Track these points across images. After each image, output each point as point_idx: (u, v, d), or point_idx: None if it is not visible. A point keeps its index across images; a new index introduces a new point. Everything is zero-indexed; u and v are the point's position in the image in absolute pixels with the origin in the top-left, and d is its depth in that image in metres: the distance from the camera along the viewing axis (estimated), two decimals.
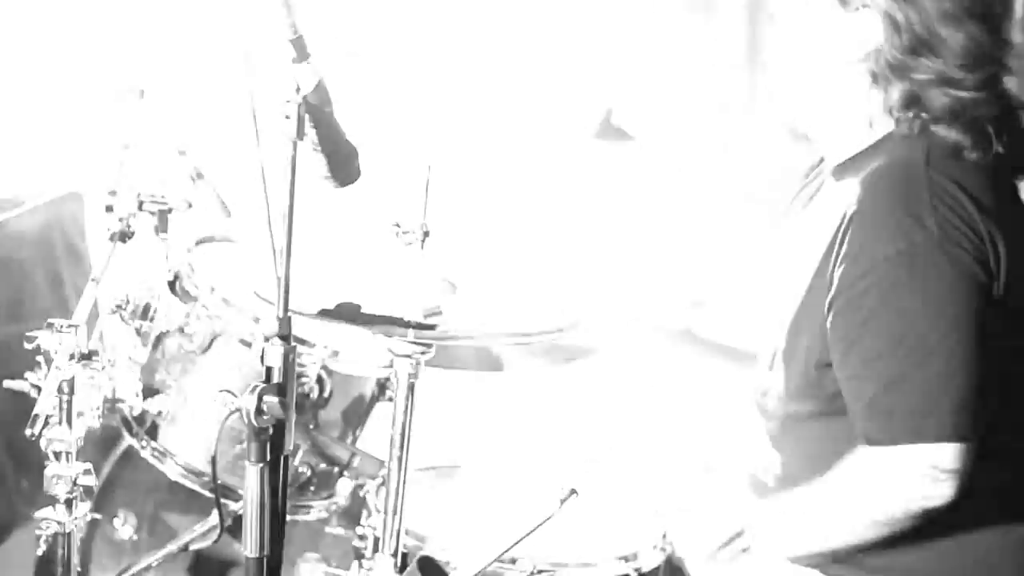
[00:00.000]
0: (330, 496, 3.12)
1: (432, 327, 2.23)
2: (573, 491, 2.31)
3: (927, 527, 2.31)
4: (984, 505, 2.33)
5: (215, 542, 3.13)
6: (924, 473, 2.26)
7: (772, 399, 2.51)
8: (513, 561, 2.59)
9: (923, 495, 2.27)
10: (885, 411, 2.28)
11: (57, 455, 2.45)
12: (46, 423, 2.38)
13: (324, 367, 2.98)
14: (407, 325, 2.21)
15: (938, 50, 2.32)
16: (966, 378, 2.24)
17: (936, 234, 2.25)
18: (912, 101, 2.35)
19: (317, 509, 3.11)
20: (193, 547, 3.26)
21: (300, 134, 2.03)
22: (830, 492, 2.36)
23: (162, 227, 2.94)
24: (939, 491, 2.26)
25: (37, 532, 2.48)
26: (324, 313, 2.20)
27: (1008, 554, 2.41)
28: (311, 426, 3.01)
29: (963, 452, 2.25)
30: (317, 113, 2.07)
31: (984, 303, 2.27)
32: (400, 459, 2.34)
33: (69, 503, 2.46)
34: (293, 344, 2.02)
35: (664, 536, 2.75)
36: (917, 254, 2.25)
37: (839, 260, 2.32)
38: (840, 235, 2.33)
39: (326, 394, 3.01)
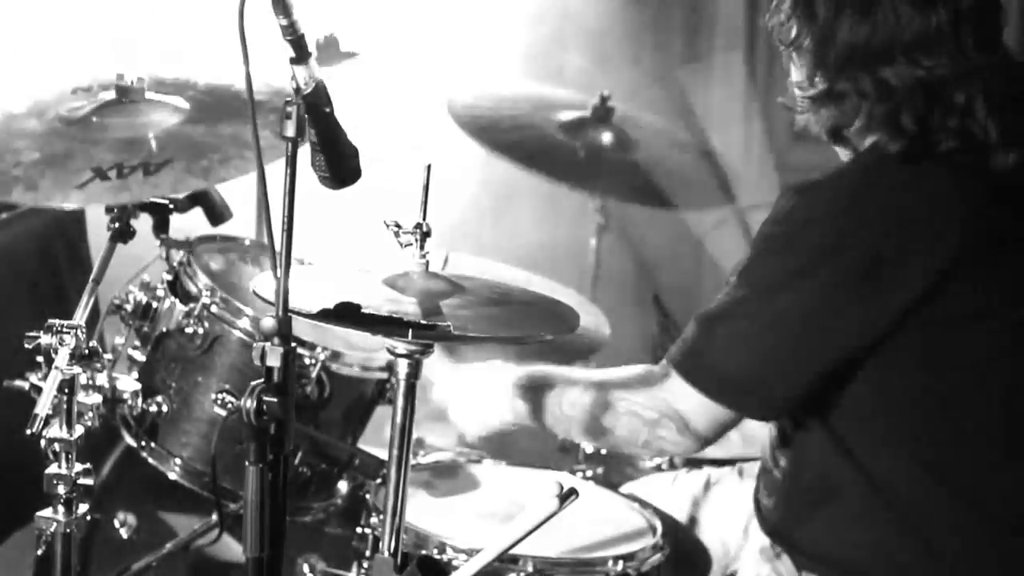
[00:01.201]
0: (330, 496, 3.12)
1: (432, 327, 2.22)
2: (573, 491, 2.31)
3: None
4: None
5: (215, 542, 3.13)
6: (673, 416, 2.38)
7: None
8: (513, 561, 2.59)
9: (660, 434, 2.41)
10: (685, 340, 2.41)
11: (57, 455, 2.45)
12: (46, 423, 2.38)
13: (324, 368, 2.98)
14: (407, 325, 2.20)
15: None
16: (769, 352, 2.33)
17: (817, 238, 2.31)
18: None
19: (317, 509, 3.11)
20: (193, 547, 3.26)
21: (300, 134, 2.03)
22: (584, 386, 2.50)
23: (162, 227, 2.94)
24: (678, 444, 2.41)
25: (37, 532, 2.48)
26: (324, 313, 2.20)
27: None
28: (311, 426, 3.01)
29: (721, 420, 2.38)
30: (317, 113, 2.07)
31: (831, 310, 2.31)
32: (400, 459, 2.34)
33: (69, 503, 2.46)
34: (293, 344, 2.02)
35: (663, 535, 2.76)
36: (789, 235, 2.33)
37: None
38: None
39: (326, 394, 3.01)
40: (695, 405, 2.39)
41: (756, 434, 2.68)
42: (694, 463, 3.11)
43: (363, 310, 2.19)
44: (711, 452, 3.34)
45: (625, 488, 3.05)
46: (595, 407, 2.45)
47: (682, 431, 2.40)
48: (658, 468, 3.20)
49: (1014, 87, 2.37)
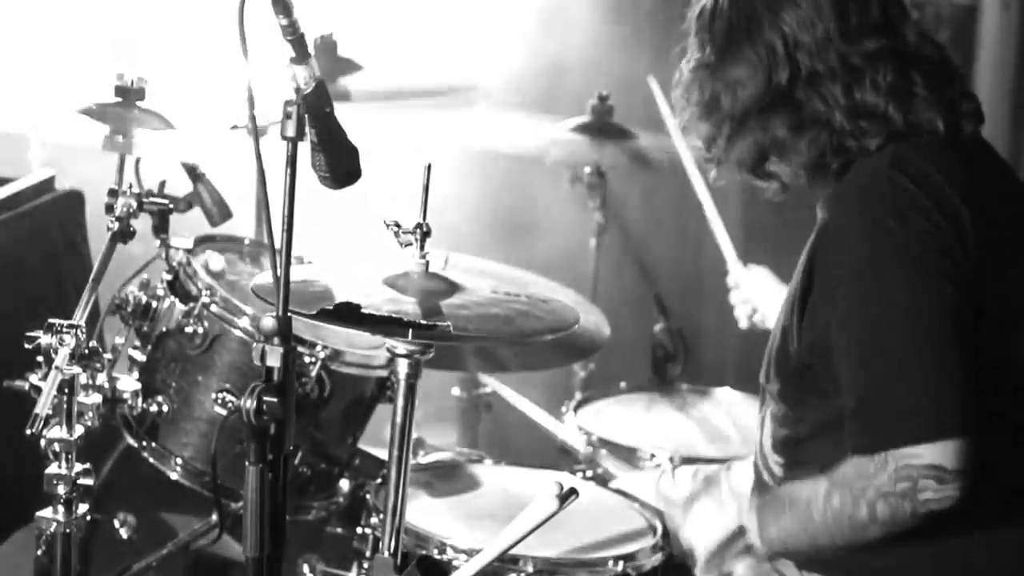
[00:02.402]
0: (330, 496, 3.12)
1: (432, 327, 2.22)
2: (573, 491, 2.30)
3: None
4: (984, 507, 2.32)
5: (215, 542, 3.13)
6: (923, 474, 2.23)
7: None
8: (513, 561, 2.59)
9: (924, 498, 2.23)
10: (870, 420, 2.26)
11: (57, 455, 2.45)
12: (46, 423, 2.38)
13: (324, 367, 2.98)
14: (407, 325, 2.21)
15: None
16: (947, 375, 2.23)
17: (900, 235, 2.26)
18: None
19: (317, 509, 3.11)
20: (193, 547, 3.26)
21: (300, 134, 2.03)
22: (825, 491, 2.33)
23: (162, 227, 2.94)
24: (943, 492, 2.22)
25: (37, 532, 2.48)
26: (324, 313, 2.20)
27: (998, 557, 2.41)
28: (311, 426, 3.01)
29: (960, 449, 2.22)
30: (317, 113, 2.07)
31: (958, 297, 2.26)
32: (400, 459, 2.34)
33: (69, 503, 2.46)
34: (293, 344, 2.02)
35: (664, 535, 2.75)
36: (881, 259, 2.27)
37: (810, 279, 2.36)
38: (809, 254, 2.39)
39: (326, 394, 3.01)
40: (936, 453, 2.24)
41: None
42: (689, 461, 3.11)
43: (363, 310, 2.19)
44: (710, 451, 3.35)
45: (615, 483, 3.05)
46: (844, 506, 2.29)
47: (942, 480, 2.24)
48: (657, 467, 3.20)
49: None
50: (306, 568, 3.02)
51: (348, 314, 2.20)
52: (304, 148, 2.06)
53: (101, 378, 2.60)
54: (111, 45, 4.07)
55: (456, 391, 4.00)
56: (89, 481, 2.48)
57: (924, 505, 2.24)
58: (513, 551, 2.39)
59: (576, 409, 3.56)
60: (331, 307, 2.21)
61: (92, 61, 4.01)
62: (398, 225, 2.36)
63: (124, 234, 2.74)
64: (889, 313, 2.26)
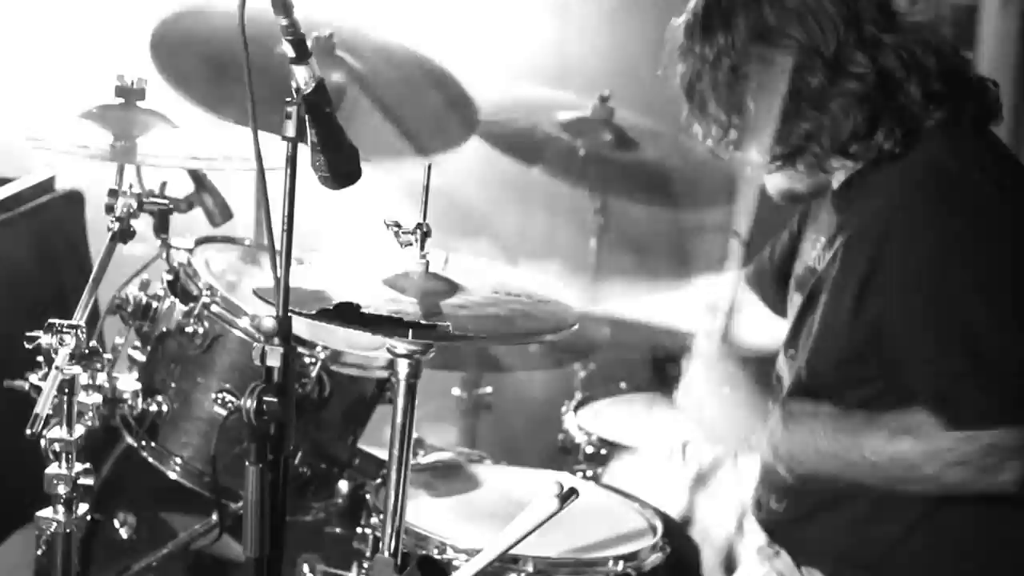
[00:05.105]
0: (330, 496, 3.12)
1: (433, 327, 2.22)
2: (573, 491, 2.30)
3: None
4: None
5: (215, 542, 3.13)
6: (1011, 456, 2.26)
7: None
8: (513, 561, 2.59)
9: (1003, 479, 2.27)
10: (967, 398, 2.28)
11: (57, 455, 2.45)
12: (46, 423, 2.38)
13: (324, 368, 2.98)
14: (407, 325, 2.21)
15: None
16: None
17: (971, 219, 2.30)
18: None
19: (317, 509, 3.11)
20: (193, 547, 3.26)
21: (300, 134, 2.03)
22: (888, 433, 2.33)
23: (162, 227, 2.94)
24: (1003, 476, 2.27)
25: (37, 532, 2.48)
26: (324, 313, 2.20)
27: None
28: (311, 426, 3.01)
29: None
30: (317, 113, 2.07)
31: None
32: (400, 459, 2.34)
33: (69, 503, 2.46)
34: (293, 345, 2.02)
35: (664, 536, 2.76)
36: (956, 246, 2.29)
37: (873, 265, 2.35)
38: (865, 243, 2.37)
39: (326, 394, 3.01)
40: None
41: None
42: None
43: (363, 310, 2.19)
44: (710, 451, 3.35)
45: (607, 477, 3.05)
46: (916, 456, 2.31)
47: None
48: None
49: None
50: (306, 568, 3.02)
51: (348, 314, 2.19)
52: (304, 148, 2.06)
53: (101, 378, 2.60)
54: (111, 44, 4.07)
55: (456, 391, 4.01)
56: (89, 481, 2.48)
57: (1001, 485, 2.28)
58: (513, 551, 2.39)
59: (576, 409, 3.56)
60: (331, 307, 2.21)
61: (92, 61, 4.01)
62: (398, 225, 2.36)
63: (124, 234, 2.73)
64: (975, 297, 2.28)
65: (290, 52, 2.04)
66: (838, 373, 2.41)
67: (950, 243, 2.31)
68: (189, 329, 2.97)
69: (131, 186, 2.81)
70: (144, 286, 3.05)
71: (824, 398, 2.43)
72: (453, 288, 2.38)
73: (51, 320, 2.44)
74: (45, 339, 2.43)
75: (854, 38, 2.36)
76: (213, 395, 2.97)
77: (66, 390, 2.44)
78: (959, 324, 2.29)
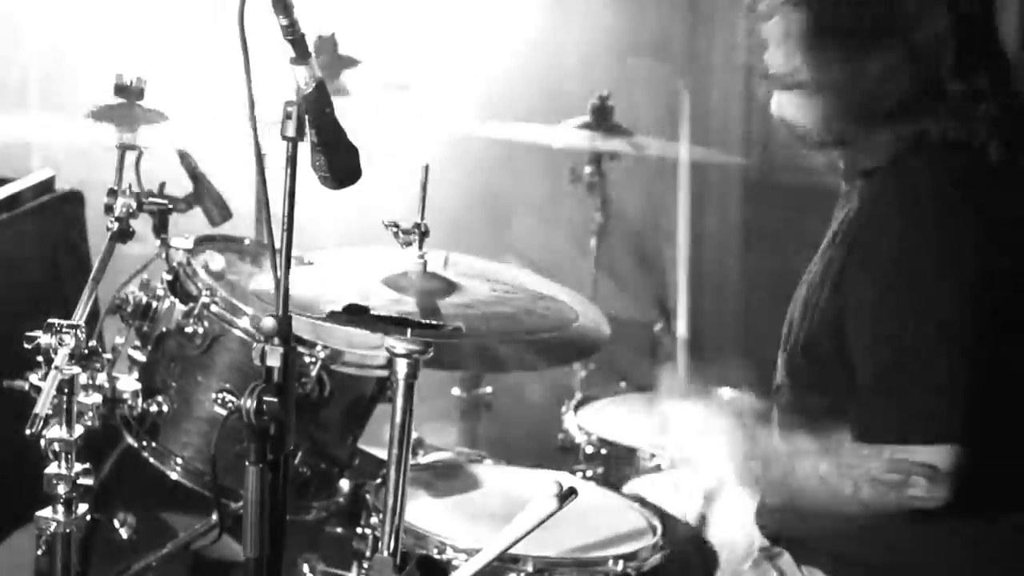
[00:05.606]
0: (330, 496, 3.12)
1: (432, 327, 2.22)
2: (573, 491, 2.30)
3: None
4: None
5: (215, 542, 3.13)
6: (915, 471, 2.26)
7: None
8: (513, 561, 2.59)
9: (911, 493, 2.27)
10: (875, 410, 2.31)
11: (57, 455, 2.45)
12: (46, 423, 2.38)
13: (324, 367, 2.98)
14: (406, 325, 2.21)
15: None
16: (958, 381, 2.26)
17: (935, 238, 2.28)
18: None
19: (317, 509, 3.11)
20: (193, 547, 3.26)
21: (300, 134, 2.03)
22: (815, 456, 2.36)
23: (162, 227, 2.94)
24: (931, 492, 2.26)
25: (37, 532, 2.48)
26: (327, 314, 2.20)
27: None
28: (311, 426, 3.01)
29: (957, 454, 2.25)
30: (317, 113, 2.07)
31: (980, 308, 2.28)
32: (400, 459, 2.34)
33: (69, 503, 2.46)
34: (293, 345, 2.02)
35: (663, 535, 2.76)
36: (917, 259, 2.28)
37: (842, 259, 2.36)
38: (849, 230, 2.38)
39: (326, 394, 3.01)
40: (932, 454, 2.27)
41: None
42: None
43: (368, 311, 2.19)
44: None
45: (628, 487, 3.05)
46: (833, 476, 2.33)
47: (933, 480, 2.28)
48: (657, 468, 3.20)
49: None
50: (306, 568, 3.02)
51: (348, 314, 2.19)
52: (304, 148, 2.06)
53: (101, 378, 2.60)
54: (111, 43, 4.07)
55: (456, 391, 4.01)
56: (89, 481, 2.48)
57: (909, 501, 2.28)
58: (513, 551, 2.39)
59: (576, 409, 3.56)
60: (337, 308, 2.21)
61: (92, 61, 4.02)
62: (397, 225, 2.36)
63: (124, 234, 2.74)
64: (913, 311, 2.28)
65: (290, 52, 2.04)
66: (810, 368, 2.44)
67: (906, 256, 2.30)
68: (189, 329, 2.97)
69: (130, 186, 2.82)
70: (144, 286, 3.05)
71: (800, 393, 2.46)
72: (452, 287, 2.39)
73: (51, 320, 2.44)
74: (45, 339, 2.43)
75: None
76: (213, 395, 2.97)
77: (66, 390, 2.43)
78: (886, 339, 2.30)
